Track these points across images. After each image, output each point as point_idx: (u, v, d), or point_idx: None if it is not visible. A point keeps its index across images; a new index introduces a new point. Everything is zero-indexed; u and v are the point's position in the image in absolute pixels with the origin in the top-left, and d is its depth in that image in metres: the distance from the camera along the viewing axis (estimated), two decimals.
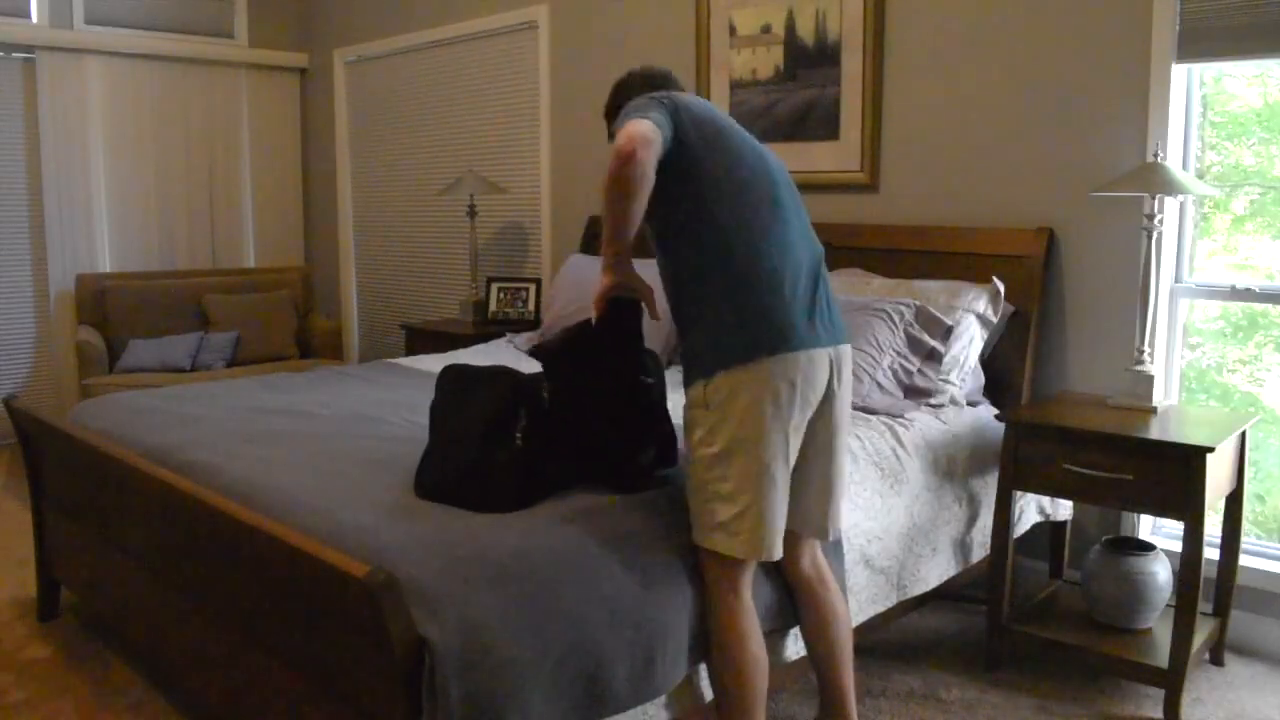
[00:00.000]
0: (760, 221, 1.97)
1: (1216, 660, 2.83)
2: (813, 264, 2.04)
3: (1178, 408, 2.88)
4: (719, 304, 1.94)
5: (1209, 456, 2.40)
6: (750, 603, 2.02)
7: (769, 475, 1.95)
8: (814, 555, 2.20)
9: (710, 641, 2.01)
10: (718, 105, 3.70)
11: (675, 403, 2.25)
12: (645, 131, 1.86)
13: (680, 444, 2.26)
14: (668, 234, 2.01)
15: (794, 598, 2.20)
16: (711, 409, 1.94)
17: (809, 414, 2.01)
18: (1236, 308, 2.98)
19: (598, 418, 2.13)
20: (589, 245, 4.46)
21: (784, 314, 1.94)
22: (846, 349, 2.08)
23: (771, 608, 2.16)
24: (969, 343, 3.03)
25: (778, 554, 2.00)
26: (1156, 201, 2.75)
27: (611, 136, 2.04)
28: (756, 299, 1.94)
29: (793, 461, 2.01)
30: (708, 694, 2.11)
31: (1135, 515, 3.07)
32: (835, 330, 2.04)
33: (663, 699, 2.01)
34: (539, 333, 4.05)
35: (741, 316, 1.93)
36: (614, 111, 2.25)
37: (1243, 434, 2.70)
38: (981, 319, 3.06)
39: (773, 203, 2.00)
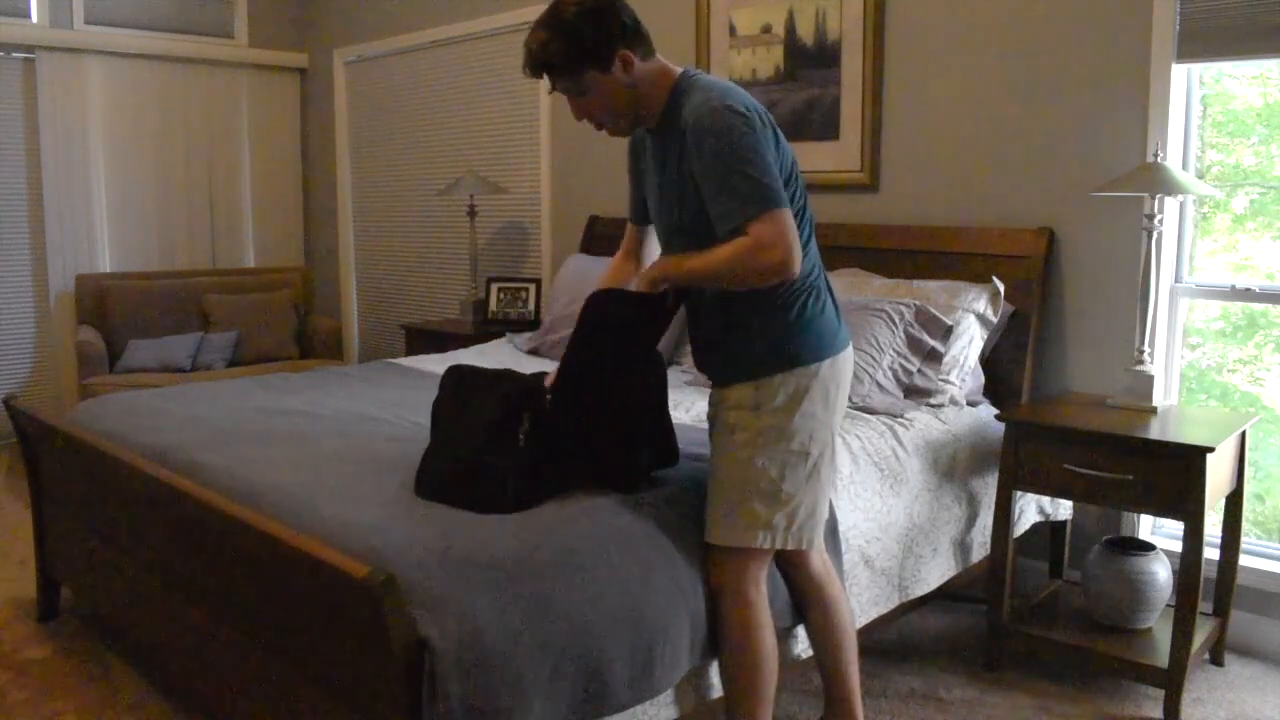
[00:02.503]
0: (805, 228, 1.99)
1: (1216, 660, 2.83)
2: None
3: (1178, 408, 2.88)
4: (776, 309, 1.96)
5: (1209, 456, 2.40)
6: (765, 596, 2.05)
7: (816, 472, 2.02)
8: (822, 552, 2.21)
9: (723, 638, 2.02)
10: None
11: (675, 401, 2.25)
12: (796, 240, 1.83)
13: (685, 444, 2.26)
14: (725, 240, 1.93)
15: (802, 597, 2.21)
16: (762, 410, 1.97)
17: (844, 410, 2.09)
18: (1236, 308, 2.98)
19: (598, 417, 2.13)
20: (589, 245, 4.46)
21: (829, 318, 2.02)
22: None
23: (775, 606, 2.16)
24: (969, 343, 3.03)
25: (817, 545, 2.08)
26: (1156, 201, 2.75)
27: (566, 85, 1.92)
28: (808, 307, 1.98)
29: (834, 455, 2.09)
30: (712, 692, 2.12)
31: (1135, 515, 3.07)
32: (847, 326, 2.12)
33: (666, 697, 2.02)
34: (540, 332, 4.05)
35: (796, 325, 1.97)
36: (590, 52, 1.89)
37: (1243, 434, 2.70)
38: (981, 319, 3.06)
39: (806, 206, 2.02)
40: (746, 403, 1.99)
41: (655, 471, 2.21)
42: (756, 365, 1.98)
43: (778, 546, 2.01)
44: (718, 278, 1.90)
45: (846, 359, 2.05)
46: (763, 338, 1.98)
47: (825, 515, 2.09)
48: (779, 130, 1.96)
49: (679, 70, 2.01)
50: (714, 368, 2.08)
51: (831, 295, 2.06)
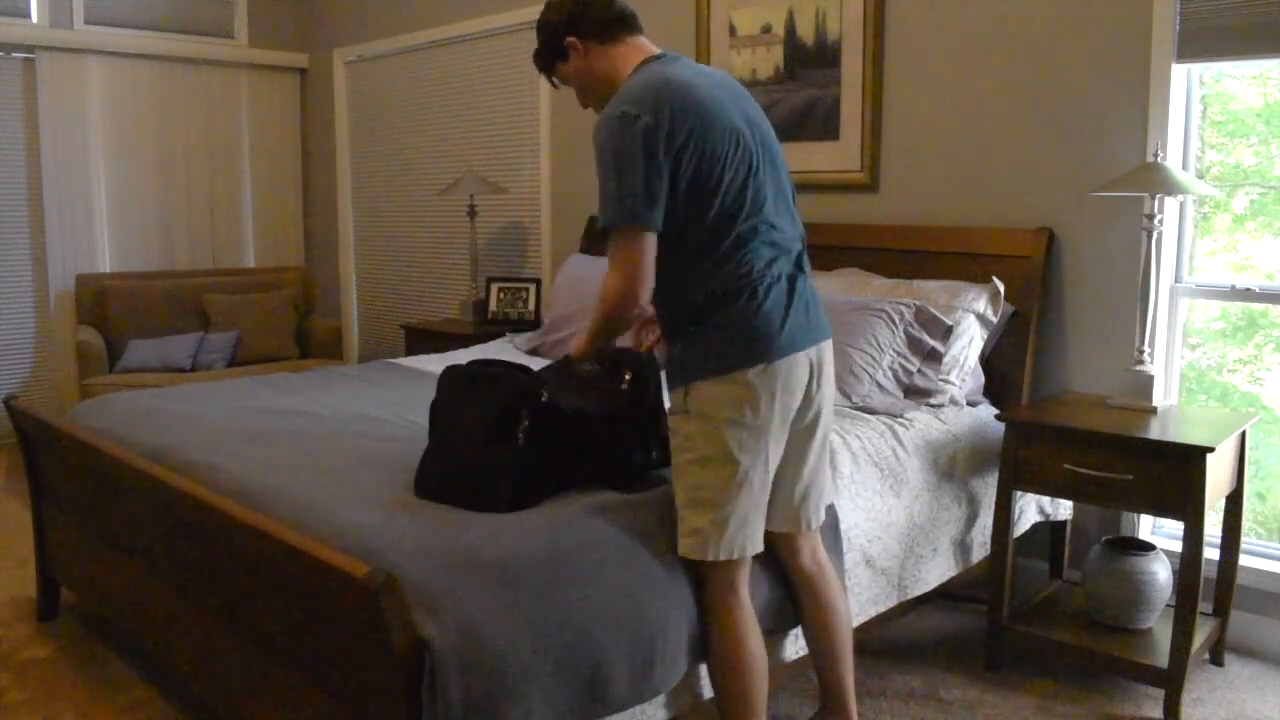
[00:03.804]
0: (746, 227, 1.91)
1: (1216, 660, 2.83)
2: (796, 253, 2.01)
3: (1178, 408, 2.88)
4: (701, 316, 1.92)
5: (1209, 456, 2.40)
6: (748, 601, 2.02)
7: (747, 482, 1.95)
8: (815, 550, 2.20)
9: (709, 646, 2.01)
10: None
11: None
12: (647, 270, 1.88)
13: None
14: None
15: (796, 595, 2.20)
16: (691, 416, 1.94)
17: (790, 419, 2.00)
18: (1236, 308, 2.98)
19: (597, 418, 2.13)
20: (589, 245, 4.46)
21: (765, 324, 1.91)
22: (827, 345, 2.05)
23: (770, 607, 2.16)
24: (969, 343, 3.03)
25: (750, 554, 2.00)
26: (1156, 201, 2.75)
27: (550, 71, 2.08)
28: (738, 311, 1.90)
29: (774, 467, 2.01)
30: (707, 692, 2.11)
31: (1135, 515, 3.07)
32: (814, 328, 2.01)
33: (661, 698, 2.02)
34: (540, 332, 4.05)
35: (723, 329, 1.91)
36: (550, 44, 2.06)
37: (1243, 434, 2.70)
38: (981, 319, 3.06)
39: (760, 201, 1.93)
40: (679, 407, 1.96)
41: (654, 470, 2.21)
42: (687, 369, 1.94)
43: (709, 557, 1.95)
44: (605, 326, 1.98)
45: (790, 364, 1.93)
46: (691, 341, 1.93)
47: (761, 523, 2.00)
48: (715, 138, 1.87)
49: (649, 55, 2.00)
50: (665, 372, 2.05)
51: (789, 297, 1.95)
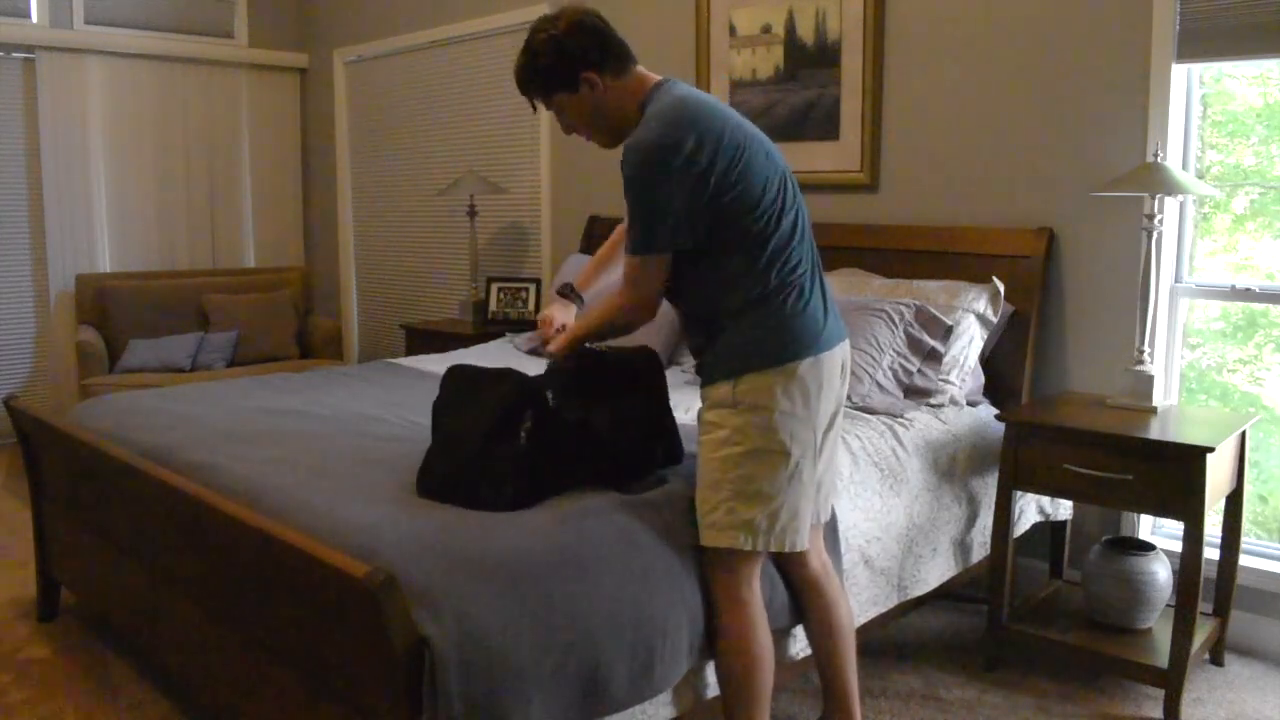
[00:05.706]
0: (784, 229, 1.97)
1: (1216, 660, 2.83)
2: (817, 257, 2.08)
3: (1178, 408, 2.88)
4: (751, 311, 1.96)
5: (1209, 456, 2.40)
6: (760, 597, 2.04)
7: (798, 473, 1.98)
8: (820, 551, 2.21)
9: (718, 638, 2.02)
10: None
11: (675, 401, 2.25)
12: (658, 295, 1.99)
13: (687, 443, 2.26)
14: (697, 252, 1.98)
15: (800, 596, 2.20)
16: (740, 409, 1.96)
17: (831, 410, 2.05)
18: (1236, 308, 2.98)
19: (601, 417, 2.13)
20: (589, 245, 4.46)
21: (813, 317, 1.98)
22: (847, 343, 2.11)
23: (773, 606, 2.16)
24: (969, 343, 3.03)
25: (803, 546, 2.04)
26: (1156, 201, 2.75)
27: (545, 104, 2.06)
28: (790, 305, 1.96)
29: (818, 459, 2.05)
30: (710, 691, 2.11)
31: (1135, 515, 3.07)
32: (841, 325, 2.09)
33: (664, 697, 2.02)
34: (539, 332, 4.05)
35: (775, 322, 1.96)
36: (556, 77, 2.01)
37: (1243, 434, 2.70)
38: (981, 319, 3.06)
39: (790, 206, 2.00)
40: (725, 400, 1.98)
41: (658, 470, 2.21)
42: (734, 363, 1.97)
43: (759, 548, 1.98)
44: (608, 328, 2.08)
45: (831, 359, 2.01)
46: (741, 336, 1.96)
47: (809, 517, 2.05)
48: (744, 142, 1.94)
49: (654, 81, 2.04)
50: (701, 367, 2.08)
51: (823, 293, 2.04)
